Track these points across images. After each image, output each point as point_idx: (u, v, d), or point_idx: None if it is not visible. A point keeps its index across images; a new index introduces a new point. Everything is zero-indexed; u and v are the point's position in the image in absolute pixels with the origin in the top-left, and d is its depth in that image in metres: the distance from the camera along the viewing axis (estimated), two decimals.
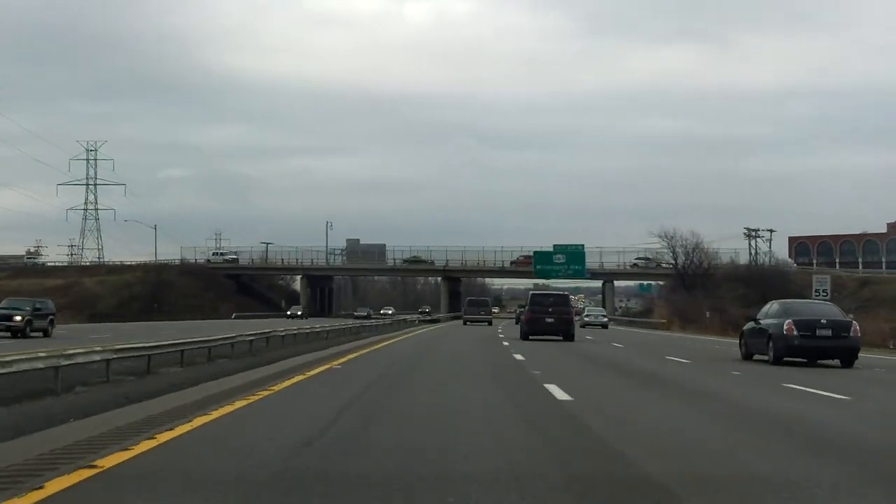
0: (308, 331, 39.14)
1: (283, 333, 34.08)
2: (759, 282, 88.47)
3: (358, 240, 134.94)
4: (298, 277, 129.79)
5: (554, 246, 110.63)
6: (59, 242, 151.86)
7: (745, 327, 28.19)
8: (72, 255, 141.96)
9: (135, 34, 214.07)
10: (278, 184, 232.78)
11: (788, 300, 29.78)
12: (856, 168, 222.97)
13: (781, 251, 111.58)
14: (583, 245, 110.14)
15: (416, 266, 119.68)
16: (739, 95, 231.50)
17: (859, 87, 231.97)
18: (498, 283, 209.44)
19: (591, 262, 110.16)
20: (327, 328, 44.97)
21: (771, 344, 24.83)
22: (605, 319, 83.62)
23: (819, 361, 25.16)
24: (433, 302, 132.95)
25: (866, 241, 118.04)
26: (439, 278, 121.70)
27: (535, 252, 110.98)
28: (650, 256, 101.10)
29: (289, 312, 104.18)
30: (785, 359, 24.63)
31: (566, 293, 51.04)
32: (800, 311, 25.74)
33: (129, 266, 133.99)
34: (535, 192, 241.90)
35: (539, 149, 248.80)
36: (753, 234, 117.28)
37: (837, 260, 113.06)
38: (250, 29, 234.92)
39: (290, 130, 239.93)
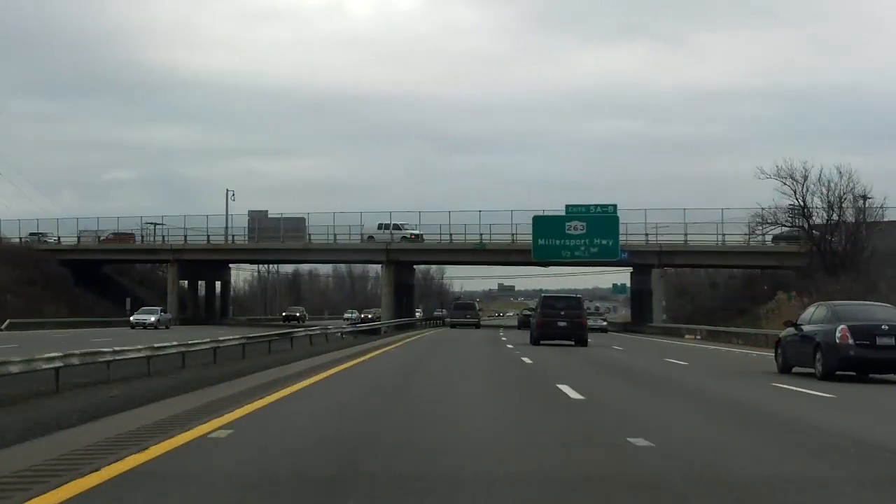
0: None
1: None
2: None
3: (265, 212, 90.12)
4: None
5: (567, 207, 67.62)
6: None
7: (781, 334, 24.00)
8: None
9: (65, 29, 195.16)
10: (224, 185, 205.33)
11: (837, 302, 24.58)
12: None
13: None
14: (614, 206, 67.25)
15: (352, 246, 75.92)
16: (700, 95, 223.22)
17: (814, 86, 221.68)
18: (457, 281, 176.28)
19: (632, 235, 67.84)
20: None
21: (819, 355, 20.86)
22: (605, 323, 74.61)
23: (872, 376, 20.97)
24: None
25: None
26: (380, 266, 78.15)
27: (536, 218, 67.94)
28: (762, 215, 58.15)
29: (133, 319, 61.88)
30: (837, 372, 20.59)
31: (579, 296, 43.99)
32: (854, 314, 21.60)
33: None
34: (490, 194, 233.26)
35: (491, 151, 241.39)
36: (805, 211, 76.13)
37: None
38: (189, 24, 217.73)
39: (234, 130, 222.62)
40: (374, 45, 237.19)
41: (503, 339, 45.25)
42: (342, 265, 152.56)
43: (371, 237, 74.37)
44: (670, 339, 53.85)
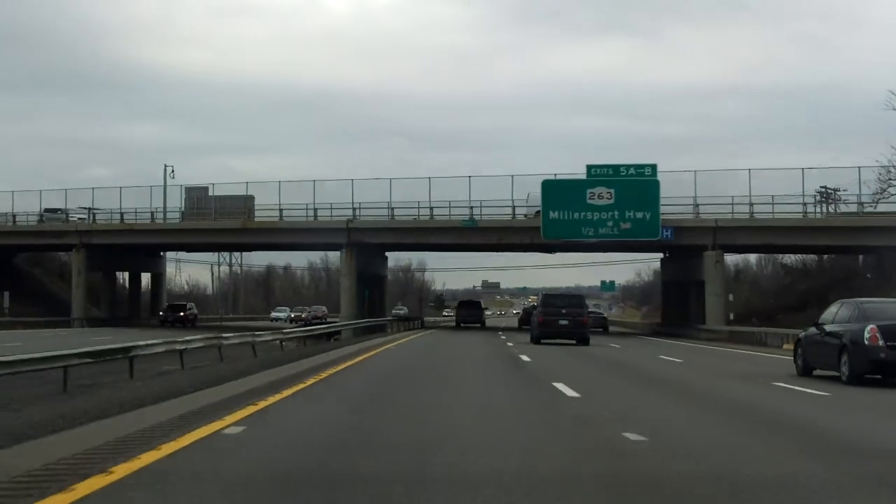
0: None
1: None
2: None
3: (206, 189, 72.27)
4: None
5: (588, 169, 50.25)
6: None
7: (801, 334, 22.11)
8: None
9: (37, 24, 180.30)
10: (204, 182, 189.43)
11: (864, 299, 22.04)
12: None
13: None
14: (653, 167, 49.89)
15: (301, 224, 58.22)
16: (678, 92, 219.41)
17: (793, 84, 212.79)
18: (438, 278, 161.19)
19: (674, 207, 50.60)
20: None
21: (846, 357, 18.99)
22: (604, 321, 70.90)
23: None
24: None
25: None
26: (340, 251, 60.17)
27: (546, 183, 50.64)
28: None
29: None
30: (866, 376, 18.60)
31: (580, 294, 44.25)
32: (883, 313, 19.55)
33: None
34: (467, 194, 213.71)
35: (475, 149, 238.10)
36: (832, 192, 59.50)
37: None
38: (165, 20, 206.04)
39: (212, 127, 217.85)
40: (353, 41, 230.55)
41: (524, 358, 27.75)
42: (318, 258, 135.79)
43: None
44: (753, 349, 36.56)
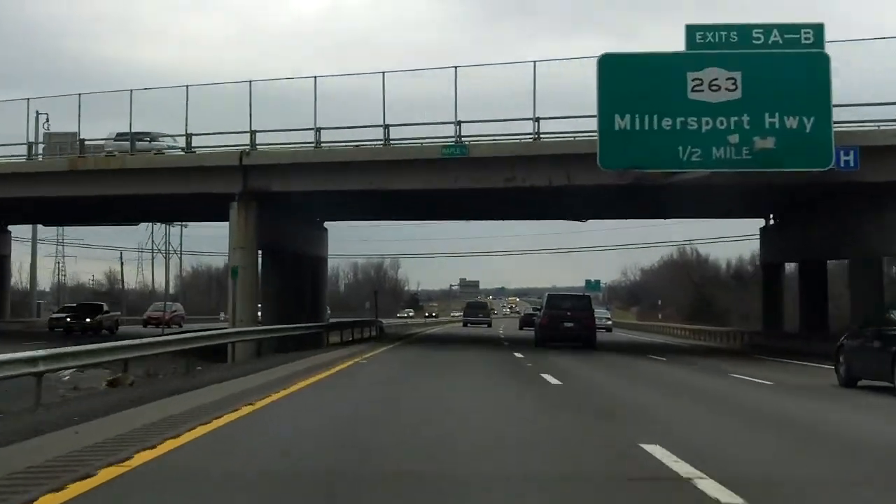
0: None
1: None
2: None
3: (73, 134, 46.95)
4: None
5: (689, 34, 25.93)
6: None
7: (843, 338, 18.89)
8: None
9: None
10: None
11: None
12: None
13: None
14: (819, 28, 25.80)
15: (160, 162, 33.75)
16: None
17: None
18: (413, 276, 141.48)
19: (847, 109, 26.73)
20: None
21: None
22: (609, 322, 68.94)
23: None
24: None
25: None
26: (231, 206, 35.44)
27: (606, 59, 26.32)
28: None
29: None
30: None
31: (587, 294, 42.81)
32: None
33: None
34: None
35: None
36: None
37: None
38: (120, 14, 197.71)
39: (180, 125, 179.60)
40: (322, 38, 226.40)
41: None
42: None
43: None
44: None
